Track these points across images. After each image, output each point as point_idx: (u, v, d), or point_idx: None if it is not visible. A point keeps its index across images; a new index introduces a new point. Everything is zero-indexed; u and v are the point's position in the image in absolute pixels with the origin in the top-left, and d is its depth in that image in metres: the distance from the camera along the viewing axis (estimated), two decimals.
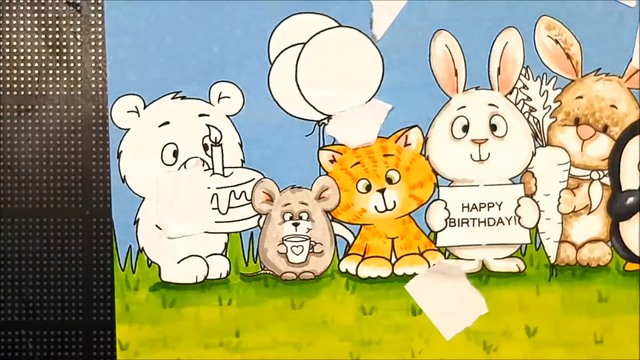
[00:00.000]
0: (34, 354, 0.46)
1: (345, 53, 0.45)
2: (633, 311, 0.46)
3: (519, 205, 0.45)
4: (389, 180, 0.46)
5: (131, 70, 0.45)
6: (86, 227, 0.45)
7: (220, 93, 0.45)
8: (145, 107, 0.45)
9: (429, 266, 0.46)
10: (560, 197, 0.46)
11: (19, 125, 0.45)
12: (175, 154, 0.45)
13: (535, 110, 0.45)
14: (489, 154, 0.45)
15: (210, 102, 0.45)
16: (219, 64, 0.45)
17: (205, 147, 0.45)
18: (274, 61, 0.45)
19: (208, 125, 0.45)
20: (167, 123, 0.45)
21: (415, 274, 0.46)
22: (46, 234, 0.45)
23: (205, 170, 0.45)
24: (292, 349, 0.46)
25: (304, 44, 0.45)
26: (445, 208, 0.45)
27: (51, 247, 0.45)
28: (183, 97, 0.45)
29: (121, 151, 0.45)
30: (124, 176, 0.45)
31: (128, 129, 0.45)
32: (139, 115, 0.45)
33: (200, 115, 0.45)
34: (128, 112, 0.45)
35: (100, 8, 0.45)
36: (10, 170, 0.45)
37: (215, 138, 0.45)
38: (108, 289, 0.45)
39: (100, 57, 0.45)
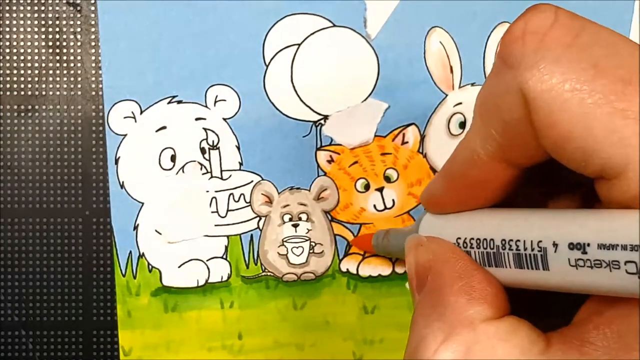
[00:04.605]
0: (33, 355, 0.46)
1: (340, 53, 0.45)
2: None
3: None
4: (387, 179, 0.46)
5: (127, 76, 0.45)
6: (86, 227, 0.45)
7: (217, 96, 0.45)
8: (141, 112, 0.45)
9: None
10: None
11: (19, 125, 0.45)
12: (173, 158, 0.45)
13: None
14: None
15: (206, 106, 0.45)
16: (215, 67, 0.45)
17: (202, 150, 0.45)
18: (269, 63, 0.45)
19: (205, 129, 0.45)
20: (164, 128, 0.45)
21: None
22: (46, 234, 0.45)
23: (203, 173, 0.45)
24: (295, 350, 0.46)
25: (299, 45, 0.45)
26: None
27: (51, 247, 0.45)
28: (179, 102, 0.45)
29: (119, 157, 0.45)
30: (123, 182, 0.45)
31: (125, 135, 0.45)
32: (135, 121, 0.45)
33: (197, 119, 0.45)
34: (125, 118, 0.45)
35: None
36: (10, 170, 0.45)
37: (213, 141, 0.45)
38: (108, 289, 0.45)
39: (100, 57, 0.45)
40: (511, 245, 0.25)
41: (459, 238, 0.27)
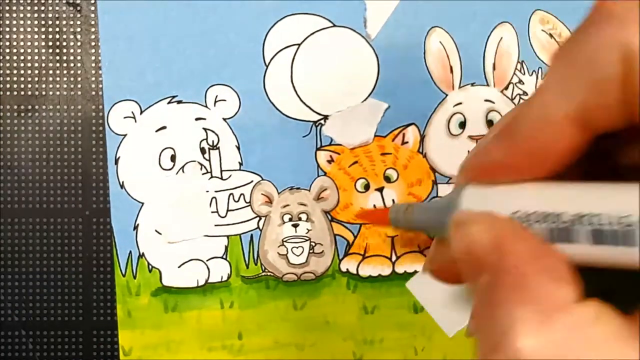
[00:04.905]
0: (34, 355, 0.46)
1: (340, 53, 0.45)
2: None
3: None
4: (387, 179, 0.46)
5: (127, 76, 0.45)
6: (86, 227, 0.45)
7: (217, 96, 0.45)
8: (141, 112, 0.45)
9: None
10: None
11: (19, 125, 0.45)
12: (173, 158, 0.45)
13: None
14: None
15: (206, 106, 0.45)
16: (215, 67, 0.45)
17: (202, 150, 0.45)
18: (269, 63, 0.45)
19: (205, 129, 0.45)
20: (164, 128, 0.45)
21: (416, 272, 0.46)
22: (46, 234, 0.45)
23: (203, 174, 0.45)
24: (294, 350, 0.46)
25: (299, 45, 0.45)
26: None
27: (51, 247, 0.45)
28: (179, 102, 0.45)
29: (119, 157, 0.45)
30: (122, 182, 0.45)
31: (125, 135, 0.45)
32: (135, 121, 0.45)
33: (197, 119, 0.45)
34: (125, 118, 0.45)
35: None
36: (10, 170, 0.45)
37: (213, 141, 0.45)
38: (108, 289, 0.45)
39: (100, 57, 0.45)
40: (585, 221, 0.22)
41: (515, 212, 0.24)
